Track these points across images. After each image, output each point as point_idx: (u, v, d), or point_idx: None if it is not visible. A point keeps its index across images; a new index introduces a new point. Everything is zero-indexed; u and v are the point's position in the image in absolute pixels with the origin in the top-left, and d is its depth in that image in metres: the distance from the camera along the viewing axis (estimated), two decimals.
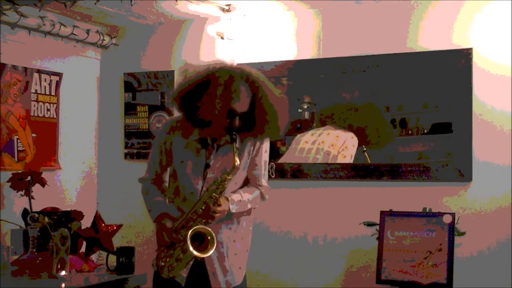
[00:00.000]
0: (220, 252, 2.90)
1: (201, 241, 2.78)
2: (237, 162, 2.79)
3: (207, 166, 2.88)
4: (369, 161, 3.92)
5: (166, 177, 3.09)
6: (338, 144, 4.00)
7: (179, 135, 2.93)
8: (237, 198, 2.88)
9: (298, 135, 4.14)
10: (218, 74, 2.80)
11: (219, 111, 2.77)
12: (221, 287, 2.90)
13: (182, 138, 2.93)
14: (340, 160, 3.98)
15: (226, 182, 2.81)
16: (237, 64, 3.15)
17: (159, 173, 3.06)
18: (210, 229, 2.78)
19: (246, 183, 3.00)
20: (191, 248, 2.73)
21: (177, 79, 2.95)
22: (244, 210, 2.94)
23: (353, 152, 3.96)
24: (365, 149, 3.95)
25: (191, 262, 2.84)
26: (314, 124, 4.11)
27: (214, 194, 2.80)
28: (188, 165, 2.90)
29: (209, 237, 2.77)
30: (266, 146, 2.99)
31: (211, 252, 2.76)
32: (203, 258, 2.83)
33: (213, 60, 2.95)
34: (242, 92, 2.79)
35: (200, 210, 2.81)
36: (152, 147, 3.13)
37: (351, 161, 3.96)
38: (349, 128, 3.98)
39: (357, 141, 3.96)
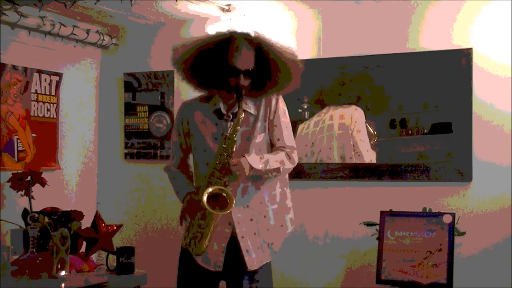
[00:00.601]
0: (252, 228, 2.91)
1: (221, 204, 2.77)
2: (242, 115, 2.80)
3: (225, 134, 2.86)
4: (372, 131, 3.90)
5: (191, 162, 3.10)
6: (347, 123, 3.98)
7: (195, 112, 2.97)
8: (256, 156, 2.86)
9: (300, 125, 4.12)
10: (217, 37, 2.88)
11: (224, 71, 2.82)
12: (255, 263, 2.91)
13: (198, 115, 2.96)
14: (358, 137, 3.94)
15: (235, 136, 2.80)
16: None
17: (182, 157, 3.08)
18: (222, 187, 2.77)
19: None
20: (206, 205, 2.72)
21: (177, 46, 2.98)
22: (272, 169, 2.88)
23: (364, 124, 3.94)
24: (365, 120, 3.94)
25: (224, 245, 2.87)
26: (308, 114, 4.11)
27: (224, 148, 2.79)
28: (208, 139, 2.92)
29: (224, 194, 2.76)
30: (282, 106, 2.99)
31: (230, 208, 2.75)
32: (236, 237, 2.87)
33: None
34: (243, 49, 2.83)
35: (217, 172, 2.80)
36: (172, 133, 3.16)
37: (366, 133, 3.92)
38: (349, 102, 3.97)
39: (362, 112, 3.94)
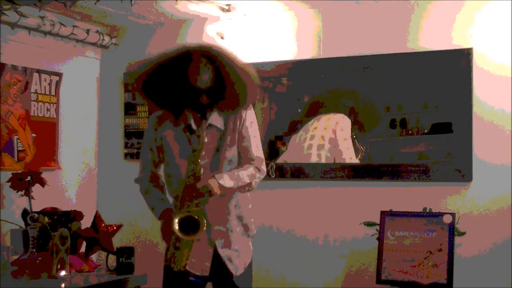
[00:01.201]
0: (231, 238, 2.92)
1: (196, 226, 2.78)
2: (205, 139, 2.80)
3: (194, 151, 2.84)
4: (358, 146, 3.92)
5: (160, 171, 3.09)
6: (331, 125, 3.99)
7: (168, 127, 2.94)
8: (227, 173, 2.85)
9: (293, 135, 4.14)
10: (175, 53, 2.81)
11: (183, 91, 2.78)
12: (239, 269, 2.94)
13: (171, 130, 2.93)
14: (341, 140, 3.97)
15: (200, 159, 2.79)
16: None
17: (153, 171, 3.06)
18: (189, 211, 2.78)
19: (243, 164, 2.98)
20: (177, 232, 2.75)
21: (132, 66, 2.93)
22: (244, 184, 2.88)
23: (349, 131, 3.96)
24: (354, 136, 3.95)
25: (211, 251, 2.89)
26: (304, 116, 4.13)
27: (191, 170, 2.79)
28: (180, 155, 2.90)
29: (196, 217, 2.77)
30: (251, 117, 2.95)
31: (201, 232, 2.76)
32: (216, 247, 2.89)
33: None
34: (202, 67, 2.76)
35: (187, 195, 2.80)
36: (142, 146, 3.12)
37: (351, 142, 3.95)
38: (341, 111, 4.00)
39: (349, 121, 3.96)
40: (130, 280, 3.23)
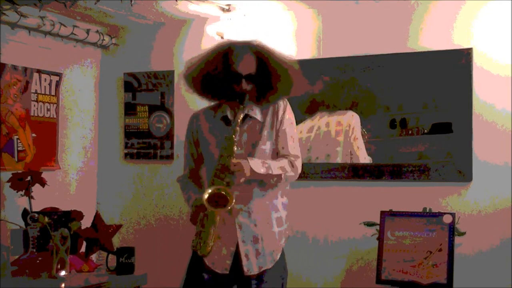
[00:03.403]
0: (254, 234, 2.91)
1: (225, 203, 2.79)
2: (241, 115, 2.85)
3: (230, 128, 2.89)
4: (365, 136, 3.94)
5: (202, 172, 3.12)
6: (344, 129, 3.98)
7: (203, 120, 3.02)
8: (258, 160, 2.88)
9: None
10: (221, 46, 2.95)
11: (225, 77, 2.87)
12: (253, 269, 2.91)
13: (206, 123, 3.00)
14: (356, 144, 3.95)
15: (234, 136, 2.82)
16: None
17: (193, 167, 3.10)
18: (220, 186, 2.79)
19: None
20: (206, 203, 2.75)
21: (186, 62, 3.07)
22: (274, 174, 2.89)
23: (360, 130, 3.95)
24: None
25: (233, 249, 2.88)
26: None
27: (225, 148, 2.82)
28: (215, 146, 2.93)
29: (223, 192, 2.78)
30: (289, 115, 3.01)
31: (230, 206, 2.77)
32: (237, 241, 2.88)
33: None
34: (244, 54, 2.88)
35: (219, 172, 2.82)
36: (184, 146, 3.17)
37: (362, 141, 3.94)
38: (345, 108, 3.99)
39: (358, 117, 3.96)
40: (130, 280, 3.24)
